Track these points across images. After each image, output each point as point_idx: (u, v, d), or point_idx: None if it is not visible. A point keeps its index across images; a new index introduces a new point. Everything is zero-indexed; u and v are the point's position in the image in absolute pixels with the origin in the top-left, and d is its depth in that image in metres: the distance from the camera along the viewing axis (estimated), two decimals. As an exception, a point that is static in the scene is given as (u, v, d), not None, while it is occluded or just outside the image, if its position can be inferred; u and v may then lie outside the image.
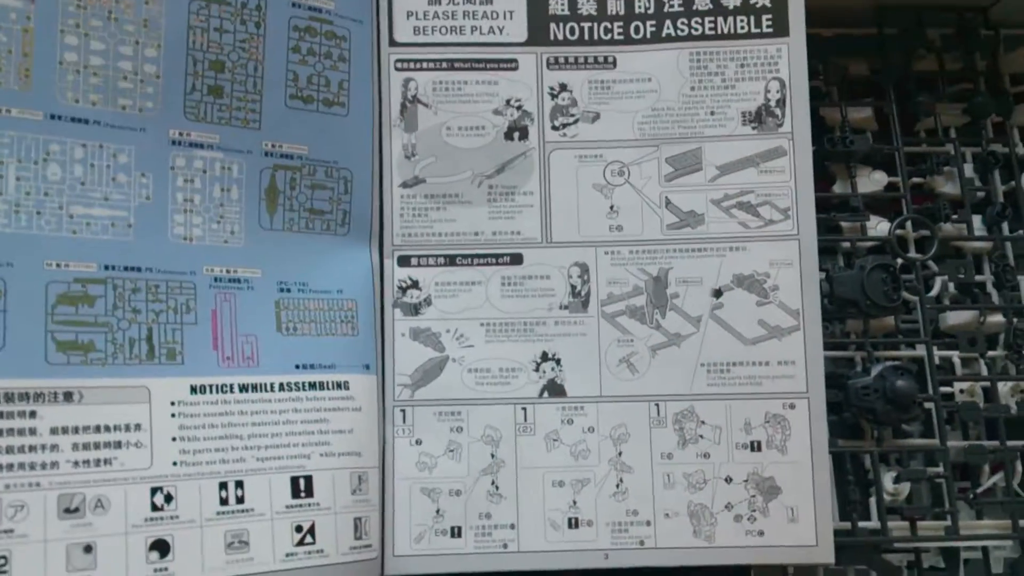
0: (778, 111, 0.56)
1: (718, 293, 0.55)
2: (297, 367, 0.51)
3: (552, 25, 0.57)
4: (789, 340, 0.54)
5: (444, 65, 0.57)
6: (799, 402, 0.53)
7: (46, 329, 0.44)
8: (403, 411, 0.54)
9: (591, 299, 0.55)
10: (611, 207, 0.56)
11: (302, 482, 0.49)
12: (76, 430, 0.44)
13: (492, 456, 0.54)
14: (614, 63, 0.57)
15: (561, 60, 0.57)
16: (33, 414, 0.43)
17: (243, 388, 0.49)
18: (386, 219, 0.56)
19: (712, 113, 0.56)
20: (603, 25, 0.57)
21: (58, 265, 0.45)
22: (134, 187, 0.48)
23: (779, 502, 0.53)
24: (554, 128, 0.57)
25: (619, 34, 0.57)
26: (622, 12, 0.57)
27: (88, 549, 0.43)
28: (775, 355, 0.54)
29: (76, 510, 0.43)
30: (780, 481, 0.53)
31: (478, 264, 0.56)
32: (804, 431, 0.53)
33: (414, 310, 0.55)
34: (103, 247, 0.47)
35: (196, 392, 0.48)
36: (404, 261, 0.56)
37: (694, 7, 0.57)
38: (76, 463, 0.44)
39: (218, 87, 0.51)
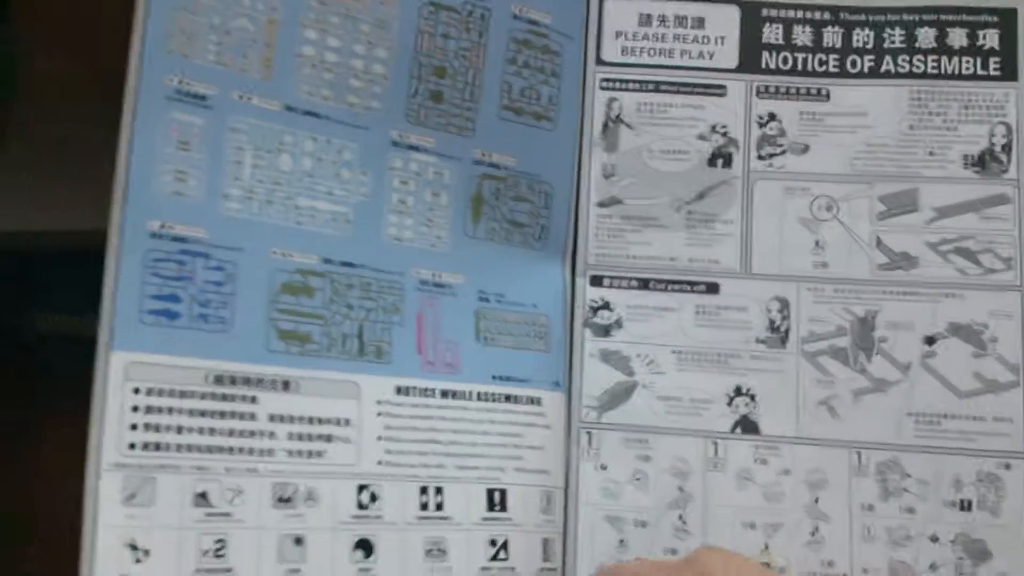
0: (1003, 157, 0.55)
1: (930, 340, 0.54)
2: (494, 378, 0.52)
3: (764, 53, 0.58)
4: (1007, 396, 0.53)
5: (650, 87, 0.58)
6: (1015, 463, 0.52)
7: (268, 317, 0.46)
8: (589, 434, 0.55)
9: (790, 336, 0.55)
10: (816, 242, 0.56)
11: (497, 495, 0.50)
12: (291, 419, 0.46)
13: (680, 490, 0.54)
14: (827, 96, 0.58)
15: (772, 89, 0.58)
16: (254, 399, 0.45)
17: (444, 394, 0.50)
18: (581, 237, 0.57)
19: (931, 154, 0.56)
20: (818, 57, 0.58)
21: (283, 254, 0.48)
22: (355, 183, 0.50)
23: (989, 567, 0.52)
24: (760, 158, 0.57)
25: (834, 67, 0.58)
26: (839, 45, 0.58)
27: (298, 541, 0.45)
28: (991, 410, 0.53)
29: (289, 500, 0.45)
30: (992, 545, 0.52)
31: (672, 290, 0.57)
32: (1020, 494, 0.52)
33: (604, 331, 0.56)
34: (324, 240, 0.49)
35: (401, 393, 0.49)
36: (596, 281, 0.57)
37: (916, 44, 0.57)
38: (290, 452, 0.46)
39: (438, 92, 0.53)
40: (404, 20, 0.52)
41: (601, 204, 0.58)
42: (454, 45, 0.53)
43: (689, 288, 0.57)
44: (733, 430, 0.54)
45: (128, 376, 0.43)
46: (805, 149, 0.57)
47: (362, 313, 0.49)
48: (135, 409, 0.43)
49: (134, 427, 0.43)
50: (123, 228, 0.44)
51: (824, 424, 0.54)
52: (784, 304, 0.56)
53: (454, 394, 0.51)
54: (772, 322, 0.56)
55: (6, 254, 0.66)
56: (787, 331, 0.55)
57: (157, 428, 0.43)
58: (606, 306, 0.57)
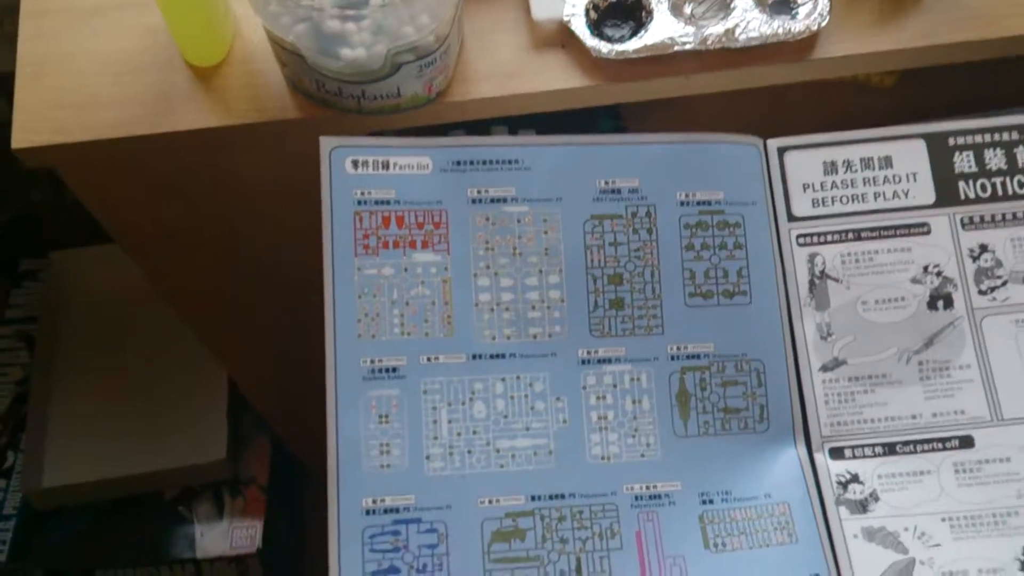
0: None
1: None
2: (732, 588, 0.49)
3: (961, 183, 0.54)
4: None
5: (851, 236, 0.55)
6: None
7: (484, 569, 0.48)
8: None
9: (1074, 483, 0.47)
10: (1074, 371, 0.49)
11: None
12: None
13: None
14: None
15: (976, 219, 0.53)
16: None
17: (677, 621, 0.48)
18: (809, 409, 0.53)
19: None
20: (1016, 179, 0.54)
21: (490, 501, 0.49)
22: (551, 412, 0.51)
23: None
24: (981, 293, 0.52)
25: (1035, 187, 0.53)
26: (1034, 165, 0.53)
27: None
28: None
29: None
30: None
31: (923, 451, 0.51)
32: None
33: (861, 507, 0.51)
34: (528, 478, 0.50)
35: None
36: (837, 453, 0.52)
37: None
38: None
39: (619, 299, 0.53)
40: (569, 241, 0.53)
41: (824, 368, 0.54)
42: (625, 250, 0.53)
43: (941, 446, 0.51)
44: (1032, 606, 0.47)
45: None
46: (1027, 277, 0.52)
47: (577, 545, 0.49)
48: None
49: None
50: (339, 510, 0.47)
51: None
52: (1057, 449, 0.48)
53: (688, 617, 0.48)
54: (1047, 472, 0.48)
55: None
56: (1068, 479, 0.48)
57: None
58: (855, 479, 0.52)
